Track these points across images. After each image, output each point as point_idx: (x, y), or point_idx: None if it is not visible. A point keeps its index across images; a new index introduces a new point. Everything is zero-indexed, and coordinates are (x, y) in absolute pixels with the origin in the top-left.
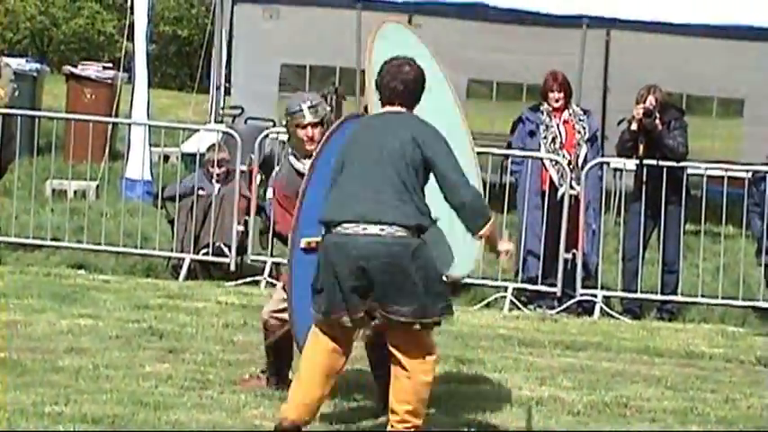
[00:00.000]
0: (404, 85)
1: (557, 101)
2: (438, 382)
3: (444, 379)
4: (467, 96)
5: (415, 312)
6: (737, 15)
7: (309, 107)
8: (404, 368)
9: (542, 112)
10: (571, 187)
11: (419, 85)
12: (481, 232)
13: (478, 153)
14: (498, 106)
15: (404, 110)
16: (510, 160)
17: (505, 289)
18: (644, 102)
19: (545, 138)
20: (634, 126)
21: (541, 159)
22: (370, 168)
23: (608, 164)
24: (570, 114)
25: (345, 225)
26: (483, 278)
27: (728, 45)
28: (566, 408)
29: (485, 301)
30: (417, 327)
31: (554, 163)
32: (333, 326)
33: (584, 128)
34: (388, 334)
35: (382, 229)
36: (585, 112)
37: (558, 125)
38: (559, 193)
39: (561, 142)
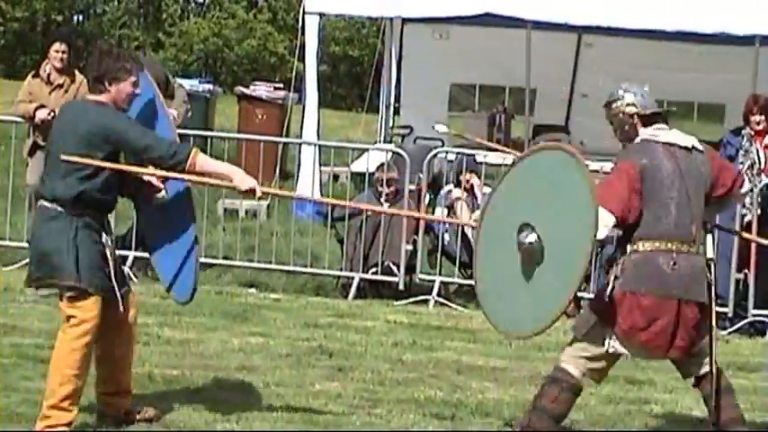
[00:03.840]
0: (89, 72)
1: (758, 123)
2: (608, 401)
3: (614, 400)
4: None
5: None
6: None
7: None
8: None
9: (743, 137)
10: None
11: (96, 70)
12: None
13: None
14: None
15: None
16: None
17: None
18: None
19: (742, 163)
20: None
21: None
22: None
23: None
24: None
25: None
26: None
27: None
28: None
29: None
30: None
31: None
32: None
33: None
34: None
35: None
36: None
37: (757, 150)
38: (746, 219)
39: (759, 168)
